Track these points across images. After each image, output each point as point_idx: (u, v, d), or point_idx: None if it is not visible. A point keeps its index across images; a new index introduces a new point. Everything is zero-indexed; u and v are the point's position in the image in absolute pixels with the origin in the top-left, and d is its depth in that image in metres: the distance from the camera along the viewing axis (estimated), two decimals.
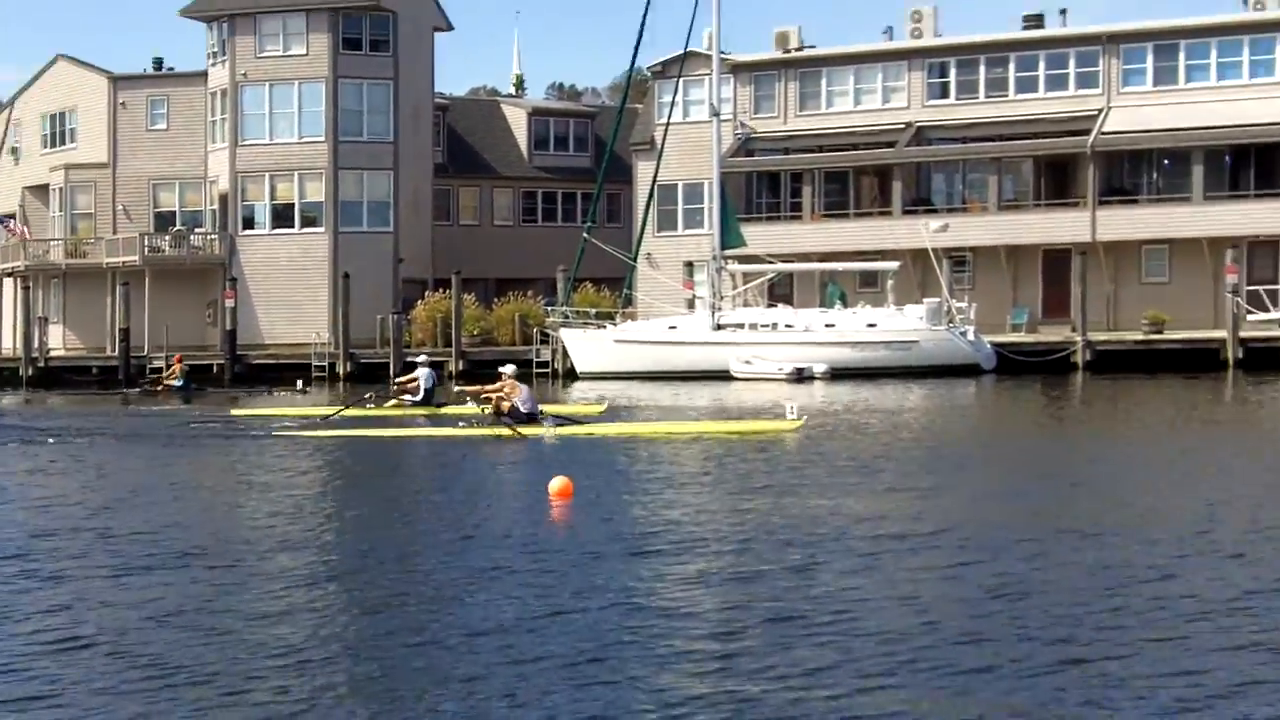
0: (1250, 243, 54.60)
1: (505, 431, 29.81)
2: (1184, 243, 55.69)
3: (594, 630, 12.27)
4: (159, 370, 56.42)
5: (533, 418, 30.84)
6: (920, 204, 60.18)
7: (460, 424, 31.54)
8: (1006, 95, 59.99)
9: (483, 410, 31.02)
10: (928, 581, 14.34)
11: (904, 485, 21.36)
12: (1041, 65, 59.72)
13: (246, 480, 23.83)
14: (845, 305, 54.08)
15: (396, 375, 47.33)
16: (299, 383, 52.43)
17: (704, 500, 20.22)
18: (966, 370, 49.61)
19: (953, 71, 60.91)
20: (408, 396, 36.67)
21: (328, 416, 34.65)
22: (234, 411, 39.72)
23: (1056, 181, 59.58)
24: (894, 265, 53.73)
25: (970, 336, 50.74)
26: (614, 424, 32.36)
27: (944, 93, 61.01)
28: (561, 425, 30.63)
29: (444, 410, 35.01)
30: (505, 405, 30.69)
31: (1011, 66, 60.12)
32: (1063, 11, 62.39)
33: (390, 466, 26.83)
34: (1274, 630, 12.07)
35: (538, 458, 26.56)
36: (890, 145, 59.80)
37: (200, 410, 41.59)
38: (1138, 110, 57.41)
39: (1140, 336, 52.07)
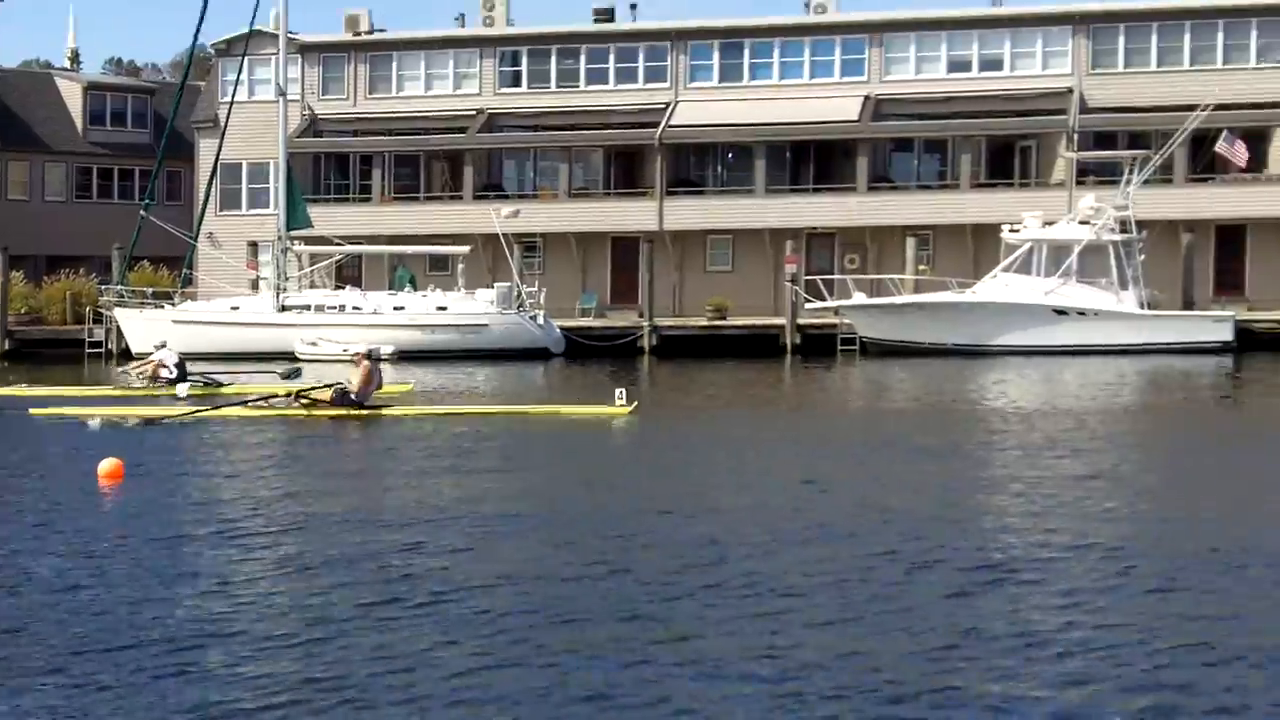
0: (809, 234, 56.39)
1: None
2: (747, 233, 57.07)
3: None
4: None
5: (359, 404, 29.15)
6: (492, 190, 60.03)
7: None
8: (578, 86, 60.33)
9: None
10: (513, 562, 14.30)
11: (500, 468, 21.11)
12: (612, 58, 60.24)
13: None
14: (415, 289, 53.40)
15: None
16: None
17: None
18: (536, 354, 49.56)
19: (524, 61, 60.93)
20: (163, 375, 36.29)
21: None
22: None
23: (626, 171, 60.35)
24: (464, 249, 53.37)
25: (540, 321, 50.70)
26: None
27: (515, 81, 60.95)
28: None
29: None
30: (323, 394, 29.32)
31: (583, 58, 60.48)
32: (633, 6, 63.67)
33: None
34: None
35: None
36: (462, 131, 59.42)
37: None
38: (704, 105, 58.58)
39: (704, 322, 53.05)
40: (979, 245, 54.57)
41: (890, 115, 57.70)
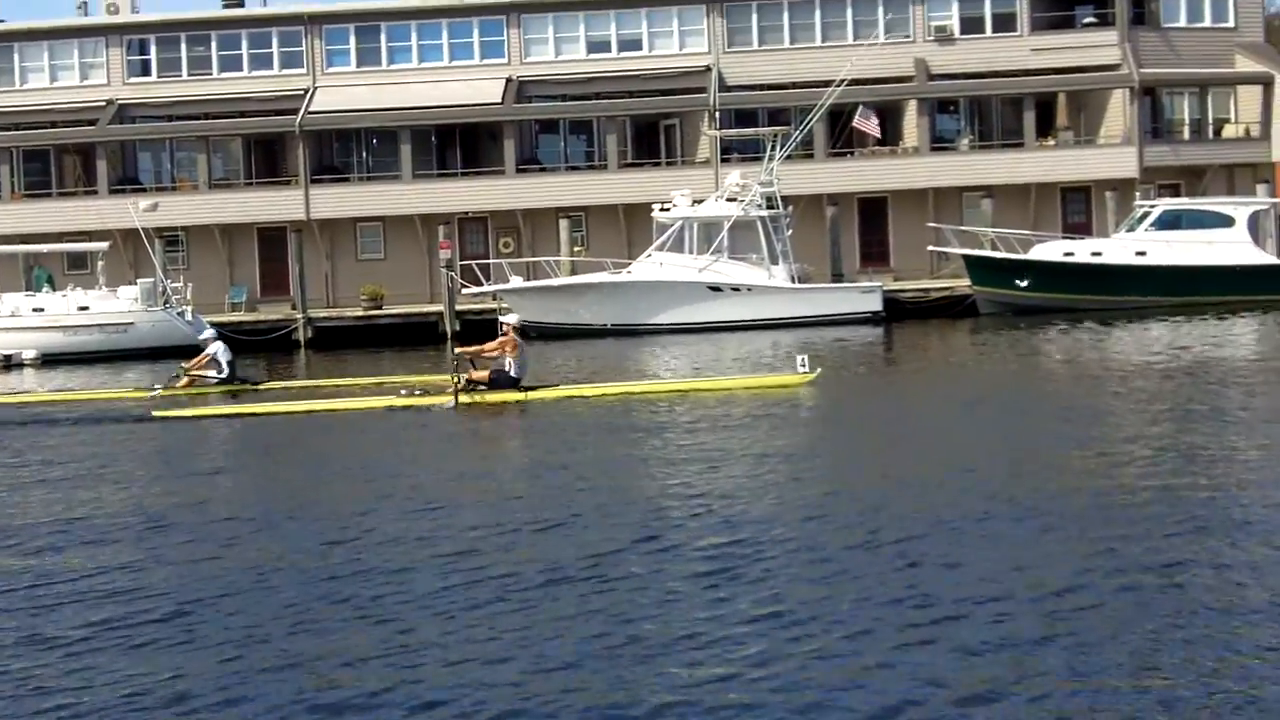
0: (461, 219, 56.22)
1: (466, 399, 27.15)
2: (397, 220, 56.50)
3: None
4: None
5: (516, 383, 27.62)
6: (128, 183, 57.92)
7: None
8: (211, 74, 58.74)
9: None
10: None
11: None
12: (245, 44, 58.83)
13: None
14: (54, 288, 51.15)
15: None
16: None
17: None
18: (185, 352, 47.92)
19: (154, 49, 58.95)
20: (210, 374, 33.48)
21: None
22: None
23: (267, 160, 59.05)
24: (103, 245, 51.27)
25: (189, 317, 49.12)
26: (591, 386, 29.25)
27: (145, 70, 58.94)
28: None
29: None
30: (481, 374, 27.35)
31: (214, 45, 58.88)
32: None
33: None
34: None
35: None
36: (92, 123, 57.17)
37: None
38: (344, 90, 57.71)
39: (360, 312, 52.31)
40: (631, 225, 55.23)
41: (533, 97, 57.88)
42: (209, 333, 36.49)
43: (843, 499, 16.61)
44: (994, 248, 49.24)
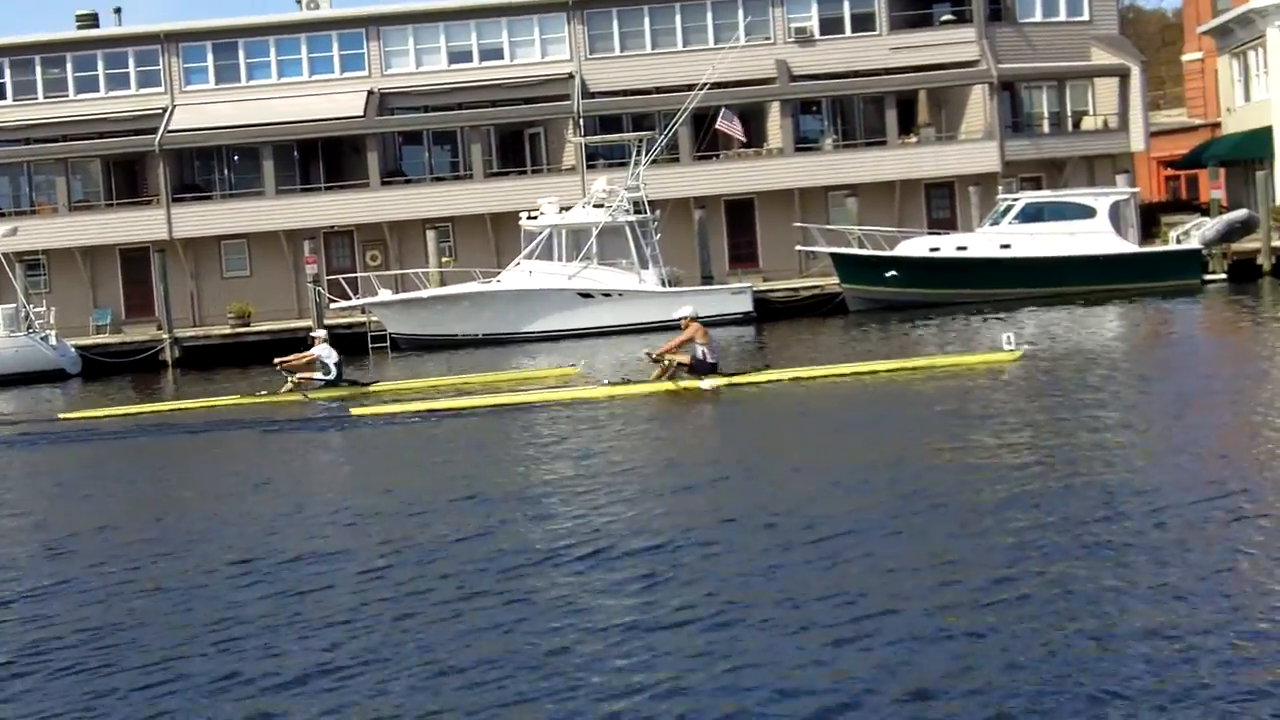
0: (326, 233, 55.80)
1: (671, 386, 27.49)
2: (262, 236, 55.96)
3: None
4: None
5: (714, 368, 28.08)
6: None
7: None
8: (67, 95, 57.90)
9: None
10: None
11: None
12: (101, 64, 58.01)
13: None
14: None
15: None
16: None
17: None
18: (51, 376, 47.20)
19: (8, 72, 58.06)
20: (316, 376, 32.61)
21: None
22: None
23: (128, 180, 58.31)
24: None
25: (52, 341, 48.29)
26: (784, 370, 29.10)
27: (0, 94, 57.94)
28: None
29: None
30: (683, 358, 27.85)
31: (69, 66, 58.05)
32: (117, 10, 61.29)
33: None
34: None
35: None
36: None
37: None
38: (203, 108, 57.05)
39: (228, 330, 51.62)
40: (499, 234, 55.07)
41: (396, 109, 57.58)
42: (320, 333, 35.82)
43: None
44: (861, 245, 49.57)
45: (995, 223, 48.84)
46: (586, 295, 48.22)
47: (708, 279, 51.62)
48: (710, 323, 46.64)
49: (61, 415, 33.66)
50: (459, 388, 32.85)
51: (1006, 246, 47.92)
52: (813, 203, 55.77)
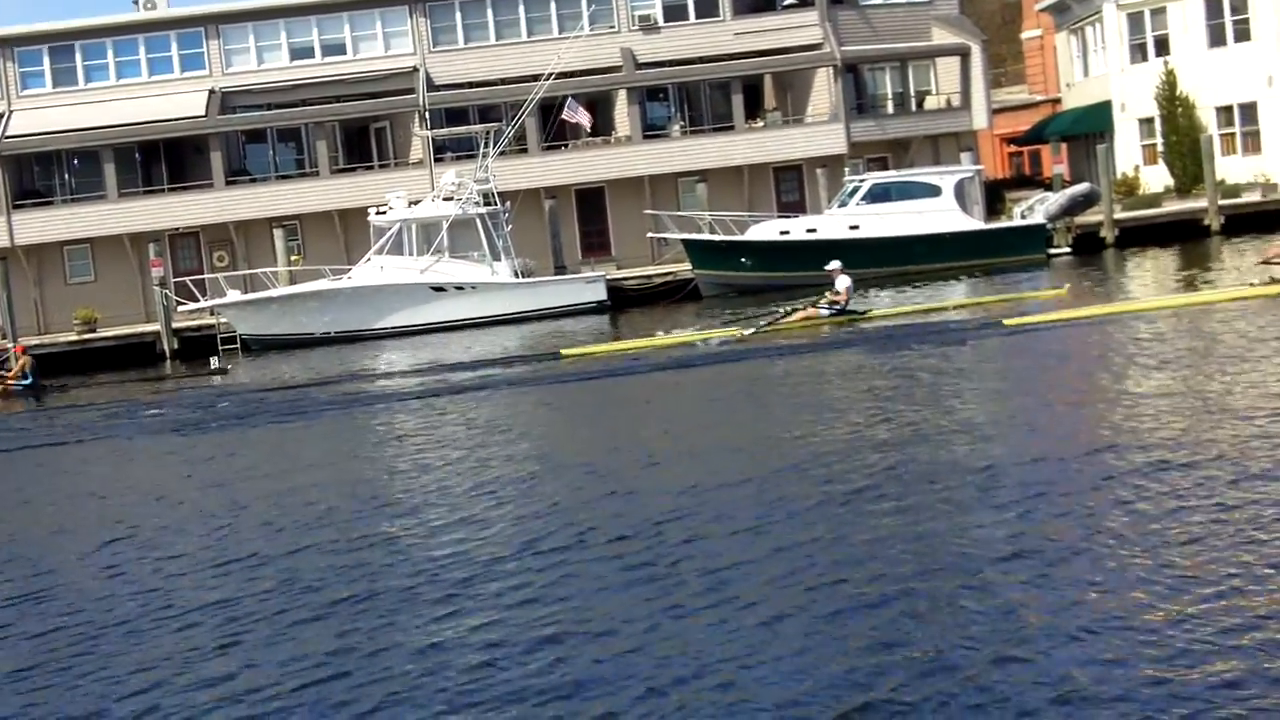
0: (171, 235, 54.92)
1: None
2: (105, 240, 54.95)
3: None
4: None
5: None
6: None
7: None
8: None
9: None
10: None
11: None
12: None
13: None
14: None
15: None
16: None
17: None
18: None
19: None
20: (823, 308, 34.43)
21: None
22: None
23: None
24: None
25: None
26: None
27: None
28: None
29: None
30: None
31: None
32: None
33: None
34: None
35: None
36: None
37: None
38: (41, 112, 55.87)
39: (74, 337, 50.56)
40: (348, 230, 54.57)
41: (238, 107, 56.77)
42: (835, 264, 35.62)
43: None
44: (712, 231, 49.67)
45: (843, 204, 49.19)
46: (439, 289, 47.87)
47: (561, 269, 51.49)
48: (563, 313, 47.23)
49: None
50: None
51: (855, 227, 48.28)
52: (663, 189, 55.85)
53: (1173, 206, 53.39)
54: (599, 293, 48.33)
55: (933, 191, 48.66)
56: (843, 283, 34.25)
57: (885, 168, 55.45)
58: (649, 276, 50.60)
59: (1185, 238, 49.57)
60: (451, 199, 48.71)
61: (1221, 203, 50.95)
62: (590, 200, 56.67)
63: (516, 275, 48.38)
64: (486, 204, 48.73)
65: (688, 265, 49.20)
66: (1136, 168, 57.97)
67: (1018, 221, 49.85)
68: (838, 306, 34.00)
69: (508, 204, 49.51)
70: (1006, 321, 29.42)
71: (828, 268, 35.07)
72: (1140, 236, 50.34)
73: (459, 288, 47.92)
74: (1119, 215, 51.49)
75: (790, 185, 57.71)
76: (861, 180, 49.74)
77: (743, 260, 48.15)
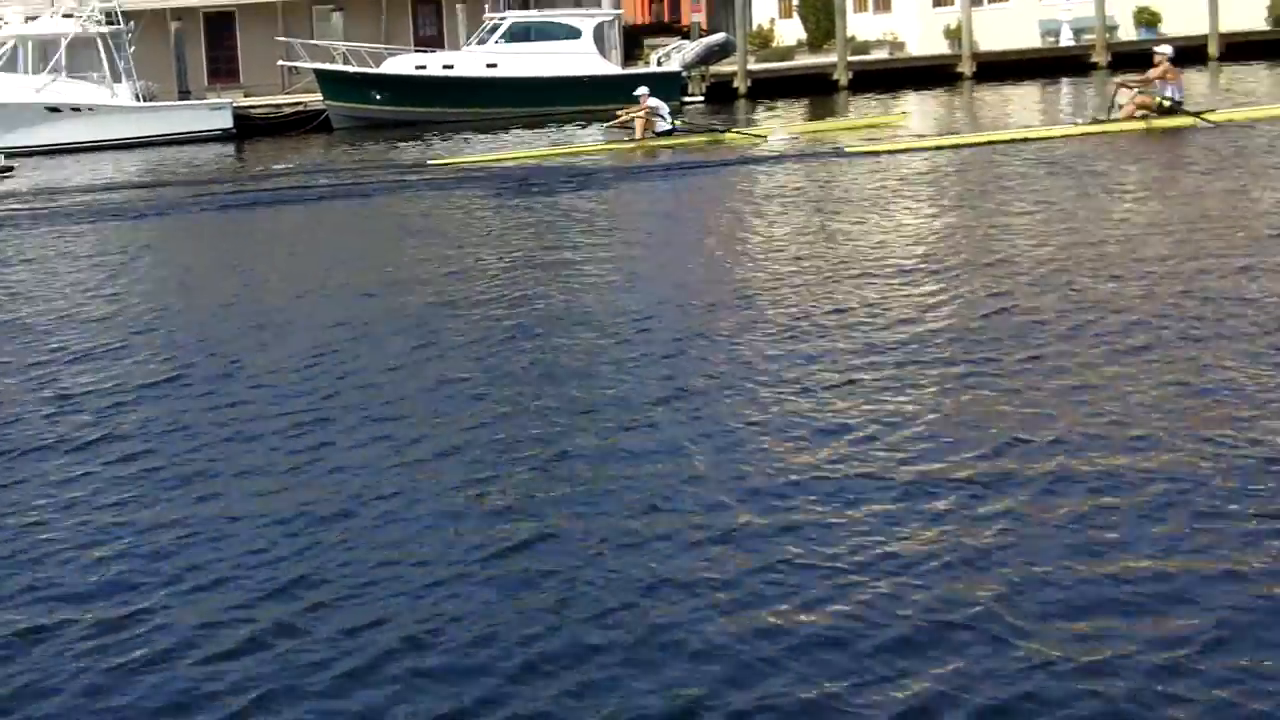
0: None
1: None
2: None
3: None
4: None
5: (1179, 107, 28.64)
6: None
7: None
8: None
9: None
10: None
11: None
12: None
13: None
14: None
15: None
16: None
17: None
18: None
19: None
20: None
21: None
22: None
23: None
24: None
25: None
26: None
27: None
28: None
29: None
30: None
31: None
32: None
33: None
34: None
35: None
36: None
37: None
38: None
39: None
40: None
41: None
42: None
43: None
44: (346, 62, 48.45)
45: (482, 41, 48.53)
46: (54, 110, 45.66)
47: (185, 94, 49.66)
48: (188, 139, 45.60)
49: None
50: None
51: (493, 66, 47.72)
52: (297, 17, 54.14)
53: (804, 60, 54.37)
54: (225, 120, 46.78)
55: (572, 33, 48.37)
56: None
57: (526, 8, 54.83)
58: (278, 106, 49.18)
59: (815, 91, 50.46)
60: (71, 16, 46.53)
61: (850, 59, 52.00)
62: (219, 25, 54.58)
63: (138, 99, 46.47)
64: (109, 23, 46.63)
65: (319, 96, 47.96)
66: (772, 20, 58.79)
67: (654, 68, 49.96)
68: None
69: (131, 24, 47.37)
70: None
71: None
72: (771, 88, 51.04)
73: (76, 109, 45.80)
74: (752, 66, 52.10)
75: (429, 20, 56.63)
76: (501, 18, 49.11)
77: (376, 94, 47.17)
